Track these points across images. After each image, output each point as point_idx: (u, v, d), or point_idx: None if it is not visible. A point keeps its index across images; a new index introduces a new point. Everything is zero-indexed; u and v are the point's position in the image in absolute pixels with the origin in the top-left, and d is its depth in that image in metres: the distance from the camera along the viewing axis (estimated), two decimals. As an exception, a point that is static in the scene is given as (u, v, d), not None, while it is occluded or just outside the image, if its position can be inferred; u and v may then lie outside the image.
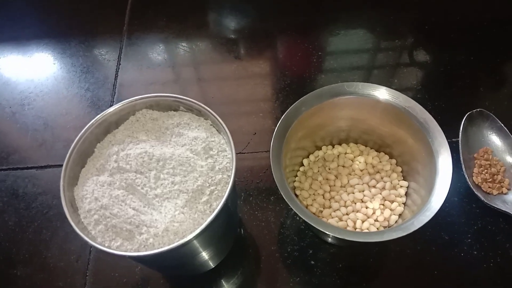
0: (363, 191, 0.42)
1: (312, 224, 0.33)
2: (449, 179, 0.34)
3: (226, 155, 0.34)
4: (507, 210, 0.42)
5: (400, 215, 0.41)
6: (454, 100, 0.53)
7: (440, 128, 0.37)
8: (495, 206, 0.43)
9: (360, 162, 0.44)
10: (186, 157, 0.33)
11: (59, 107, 0.56)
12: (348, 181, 0.43)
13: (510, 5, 0.62)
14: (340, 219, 0.41)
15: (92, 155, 0.35)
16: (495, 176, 0.45)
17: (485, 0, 0.63)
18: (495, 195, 0.44)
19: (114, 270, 0.43)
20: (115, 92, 0.57)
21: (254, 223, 0.45)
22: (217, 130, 0.36)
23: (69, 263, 0.43)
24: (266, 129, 0.52)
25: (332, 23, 0.62)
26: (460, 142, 0.47)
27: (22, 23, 0.66)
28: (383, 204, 0.41)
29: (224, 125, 0.34)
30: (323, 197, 0.42)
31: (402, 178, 0.43)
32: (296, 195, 0.43)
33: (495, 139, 0.48)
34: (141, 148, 0.34)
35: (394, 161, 0.44)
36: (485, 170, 0.45)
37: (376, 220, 0.40)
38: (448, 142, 0.36)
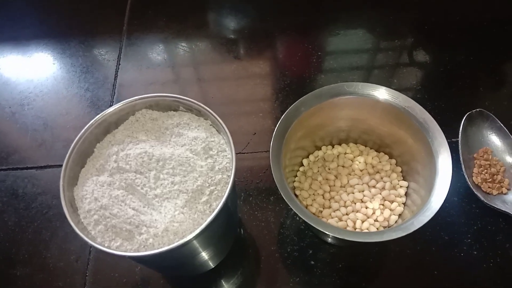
0: (363, 191, 0.42)
1: (312, 224, 0.33)
2: (449, 179, 0.34)
3: (226, 155, 0.34)
4: (506, 210, 0.42)
5: (400, 215, 0.41)
6: (453, 100, 0.53)
7: (439, 128, 0.37)
8: (495, 206, 0.43)
9: (359, 162, 0.44)
10: (186, 157, 0.33)
11: (59, 107, 0.56)
12: (348, 181, 0.43)
13: (510, 5, 0.62)
14: (340, 219, 0.41)
15: (91, 155, 0.35)
16: (495, 176, 0.45)
17: (485, 0, 0.63)
18: (494, 195, 0.44)
19: (114, 270, 0.43)
20: (114, 92, 0.57)
21: (254, 223, 0.45)
22: (217, 130, 0.36)
23: (68, 263, 0.43)
24: (266, 129, 0.52)
25: (332, 23, 0.62)
26: (459, 142, 0.47)
27: (22, 23, 0.66)
28: (383, 204, 0.41)
29: (223, 125, 0.34)
30: (323, 197, 0.42)
31: (402, 178, 0.43)
32: (296, 195, 0.43)
33: (494, 139, 0.48)
34: (141, 148, 0.34)
35: (394, 161, 0.44)
36: (485, 170, 0.45)
37: (376, 220, 0.40)
38: (448, 142, 0.36)
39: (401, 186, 0.42)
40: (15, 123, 0.55)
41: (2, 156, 0.52)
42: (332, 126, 0.44)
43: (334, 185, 0.43)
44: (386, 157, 0.44)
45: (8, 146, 0.53)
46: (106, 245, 0.30)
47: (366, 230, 0.39)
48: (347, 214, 0.41)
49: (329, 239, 0.42)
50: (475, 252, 0.42)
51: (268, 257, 0.43)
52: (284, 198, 0.34)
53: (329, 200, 0.42)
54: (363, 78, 0.57)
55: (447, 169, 0.35)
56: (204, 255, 0.36)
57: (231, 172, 0.32)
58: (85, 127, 0.34)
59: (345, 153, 0.45)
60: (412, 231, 0.32)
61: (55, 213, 0.47)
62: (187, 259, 0.36)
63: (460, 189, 0.46)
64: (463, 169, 0.45)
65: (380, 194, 0.41)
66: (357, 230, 0.40)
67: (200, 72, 0.59)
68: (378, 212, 0.40)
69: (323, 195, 0.42)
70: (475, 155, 0.47)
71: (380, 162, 0.44)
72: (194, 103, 0.36)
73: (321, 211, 0.41)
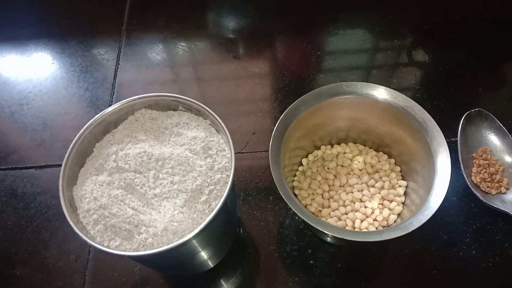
0: (362, 190, 0.42)
1: (311, 224, 0.33)
2: (448, 178, 0.34)
3: (225, 155, 0.34)
4: (505, 210, 0.42)
5: (399, 215, 0.41)
6: (453, 100, 0.53)
7: (438, 128, 0.37)
8: (494, 205, 0.43)
9: (359, 162, 0.44)
10: (185, 157, 0.33)
11: (58, 107, 0.56)
12: (347, 180, 0.43)
13: (510, 5, 0.62)
14: (339, 219, 0.41)
15: (91, 154, 0.35)
16: (494, 175, 0.45)
17: (485, 0, 0.63)
18: (493, 195, 0.44)
19: (113, 270, 0.43)
20: (114, 92, 0.57)
21: (253, 222, 0.45)
22: (216, 130, 0.36)
23: (68, 263, 0.43)
24: (265, 128, 0.52)
25: (331, 23, 0.62)
26: (458, 141, 0.47)
27: (21, 22, 0.66)
28: (382, 204, 0.41)
29: (223, 124, 0.34)
30: (322, 197, 0.42)
31: (401, 177, 0.43)
32: (295, 195, 0.43)
33: (493, 139, 0.48)
34: (140, 148, 0.34)
35: (393, 160, 0.44)
36: (484, 170, 0.45)
37: (375, 220, 0.40)
38: (447, 142, 0.36)
39: (400, 186, 0.42)
40: (14, 123, 0.55)
41: (1, 156, 0.52)
42: (331, 125, 0.44)
43: (333, 185, 0.43)
44: (385, 156, 0.44)
45: (7, 145, 0.53)
46: (105, 244, 0.30)
47: (365, 230, 0.40)
48: (346, 213, 0.41)
49: (328, 238, 0.42)
50: (474, 252, 0.42)
51: (268, 257, 0.43)
52: (283, 197, 0.34)
53: (328, 199, 0.42)
54: (363, 78, 0.57)
55: (446, 168, 0.35)
56: (203, 254, 0.36)
57: (230, 172, 0.32)
58: (84, 127, 0.34)
59: (344, 153, 0.45)
60: (411, 230, 0.32)
61: (55, 213, 0.47)
62: (187, 258, 0.36)
63: (459, 188, 0.46)
64: (462, 169, 0.45)
65: (379, 193, 0.42)
66: (356, 229, 0.40)
67: (200, 72, 0.59)
68: (377, 212, 0.40)
69: (322, 194, 0.42)
70: (474, 155, 0.47)
71: (379, 161, 0.44)
72: (194, 102, 0.36)
73: (320, 211, 0.41)
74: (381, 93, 0.40)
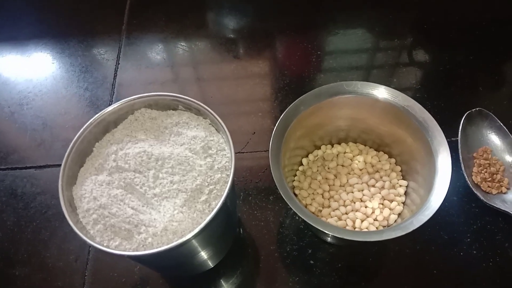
0: (362, 190, 0.42)
1: (311, 224, 0.33)
2: (448, 178, 0.34)
3: (225, 154, 0.34)
4: (506, 210, 0.42)
5: (399, 215, 0.40)
6: (453, 100, 0.53)
7: (439, 127, 0.37)
8: (494, 205, 0.43)
9: (359, 161, 0.44)
10: (185, 156, 0.33)
11: (58, 107, 0.56)
12: (347, 180, 0.43)
13: (510, 5, 0.62)
14: (339, 219, 0.40)
15: (90, 154, 0.35)
16: (494, 175, 0.45)
17: (485, 0, 0.63)
18: (494, 195, 0.44)
19: (113, 270, 0.43)
20: (114, 92, 0.57)
21: (253, 222, 0.45)
22: (216, 129, 0.36)
23: (68, 263, 0.43)
24: (265, 128, 0.52)
25: (331, 22, 0.62)
26: (459, 141, 0.47)
27: (21, 22, 0.65)
28: (382, 204, 0.41)
29: (222, 124, 0.34)
30: (322, 197, 0.42)
31: (401, 177, 0.43)
32: (295, 195, 0.43)
33: (494, 139, 0.48)
34: (140, 147, 0.34)
35: (393, 160, 0.44)
36: (484, 170, 0.45)
37: (375, 220, 0.40)
38: (448, 142, 0.36)
39: (400, 185, 0.42)
40: (14, 123, 0.55)
41: (1, 156, 0.52)
42: (332, 125, 0.43)
43: (334, 184, 0.43)
44: (386, 156, 0.44)
45: (7, 145, 0.53)
46: (105, 244, 0.30)
47: (366, 229, 0.39)
48: (346, 213, 0.41)
49: (329, 238, 0.42)
50: (474, 252, 0.42)
51: (268, 257, 0.43)
52: (284, 197, 0.34)
53: (328, 199, 0.42)
54: (363, 78, 0.57)
55: (447, 168, 0.35)
56: (203, 254, 0.36)
57: (230, 171, 0.32)
58: (84, 126, 0.34)
59: (345, 152, 0.45)
60: (412, 230, 0.32)
61: (54, 213, 0.47)
62: (186, 258, 0.36)
63: (460, 188, 0.46)
64: (463, 168, 0.45)
65: (380, 193, 0.41)
66: (356, 229, 0.40)
67: (200, 71, 0.59)
68: (377, 211, 0.40)
69: (322, 194, 0.42)
70: (474, 154, 0.47)
71: (379, 161, 0.44)
72: (193, 102, 0.36)
73: (321, 211, 0.41)
74: (381, 92, 0.40)
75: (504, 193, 0.44)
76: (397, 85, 0.55)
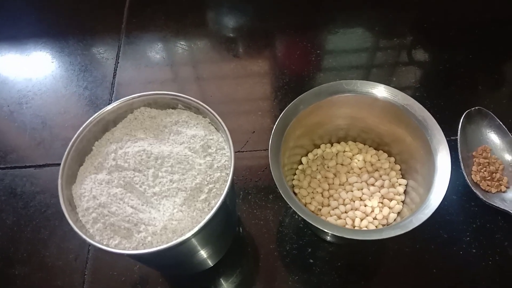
0: (361, 189, 0.42)
1: (311, 222, 0.33)
2: (448, 177, 0.34)
3: (225, 153, 0.34)
4: (505, 208, 0.42)
5: (398, 213, 0.41)
6: (452, 99, 0.53)
7: (438, 126, 0.37)
8: (494, 204, 0.43)
9: (358, 160, 0.44)
10: (185, 155, 0.33)
11: (57, 106, 0.56)
12: (347, 179, 0.43)
13: (510, 5, 0.62)
14: (339, 217, 0.40)
15: (90, 153, 0.35)
16: (494, 174, 0.45)
17: (485, 0, 0.63)
18: (493, 193, 0.44)
19: (113, 269, 0.43)
20: (113, 91, 0.57)
21: (252, 221, 0.45)
22: (216, 128, 0.36)
23: (67, 262, 0.43)
24: (265, 127, 0.52)
25: (331, 22, 0.62)
26: (458, 140, 0.47)
27: (21, 21, 0.65)
28: (381, 202, 0.41)
29: (222, 122, 0.34)
30: (322, 195, 0.42)
31: (401, 176, 0.43)
32: (295, 193, 0.43)
33: (493, 137, 0.48)
34: (139, 146, 0.34)
35: (392, 159, 0.44)
36: (484, 168, 0.45)
37: (374, 218, 0.40)
38: (447, 140, 0.36)
39: (400, 184, 0.42)
40: (13, 122, 0.55)
41: (0, 155, 0.52)
42: (331, 124, 0.44)
43: (333, 183, 0.43)
44: (385, 155, 0.44)
45: (7, 145, 0.53)
46: (104, 243, 0.30)
47: (365, 228, 0.39)
48: (346, 212, 0.41)
49: (328, 237, 0.42)
50: (474, 250, 0.42)
51: (267, 256, 0.43)
52: (283, 196, 0.34)
53: (328, 198, 0.42)
54: (362, 77, 0.57)
55: (446, 167, 0.35)
56: (203, 253, 0.36)
57: (229, 170, 0.32)
58: (83, 125, 0.34)
59: (344, 151, 0.45)
60: (411, 229, 0.32)
61: (54, 212, 0.47)
62: (186, 257, 0.36)
63: (459, 187, 0.46)
64: (462, 167, 0.45)
65: (379, 192, 0.41)
66: (356, 228, 0.40)
67: (199, 70, 0.59)
68: (377, 210, 0.40)
69: (322, 193, 0.42)
70: (474, 153, 0.47)
71: (379, 160, 0.44)
72: (193, 101, 0.36)
73: (320, 209, 0.41)
74: (380, 91, 0.40)
75: (504, 192, 0.44)
76: (396, 84, 0.55)
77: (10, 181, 0.50)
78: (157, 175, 0.33)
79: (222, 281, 0.42)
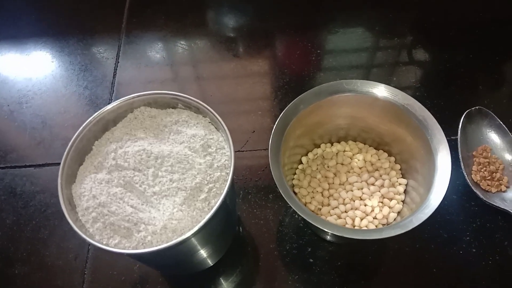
0: (361, 188, 0.42)
1: (311, 222, 0.33)
2: (448, 177, 0.34)
3: (225, 153, 0.34)
4: (506, 208, 0.42)
5: (398, 213, 0.41)
6: (453, 99, 0.53)
7: (439, 126, 0.37)
8: (494, 204, 0.43)
9: (359, 160, 0.44)
10: (185, 155, 0.33)
11: (57, 105, 0.56)
12: (347, 178, 0.43)
13: (510, 5, 0.62)
14: (339, 217, 0.40)
15: (90, 152, 0.35)
16: (494, 174, 0.45)
17: (485, 0, 0.63)
18: (494, 193, 0.44)
19: (113, 268, 0.43)
20: (113, 90, 0.57)
21: (252, 221, 0.45)
22: (216, 128, 0.36)
23: (67, 262, 0.43)
24: (265, 127, 0.52)
25: (331, 22, 0.62)
26: (459, 140, 0.47)
27: (21, 21, 0.65)
28: (381, 202, 0.41)
29: (222, 122, 0.34)
30: (322, 195, 0.42)
31: (401, 175, 0.43)
32: (295, 193, 0.43)
33: (494, 137, 0.48)
34: (139, 146, 0.34)
35: (393, 158, 0.44)
36: (484, 168, 0.45)
37: (374, 218, 0.40)
38: (447, 140, 0.36)
39: (400, 184, 0.42)
40: (13, 122, 0.55)
41: (0, 155, 0.52)
42: (331, 123, 0.43)
43: (333, 183, 0.43)
44: (385, 154, 0.44)
45: (7, 144, 0.53)
46: (104, 242, 0.30)
47: (365, 228, 0.39)
48: (346, 211, 0.41)
49: (328, 236, 0.42)
50: (474, 250, 0.42)
51: (267, 255, 0.43)
52: (283, 196, 0.34)
53: (328, 197, 0.42)
54: (363, 77, 0.57)
55: (446, 166, 0.35)
56: (203, 253, 0.36)
57: (229, 170, 0.32)
58: (83, 125, 0.34)
59: (344, 151, 0.45)
60: (411, 228, 0.32)
61: (54, 211, 0.47)
62: (186, 256, 0.36)
63: (459, 187, 0.46)
64: (462, 167, 0.45)
65: (379, 191, 0.41)
66: (356, 227, 0.40)
67: (199, 70, 0.59)
68: (377, 210, 0.40)
69: (322, 192, 0.42)
70: (474, 153, 0.47)
71: (379, 159, 0.44)
72: (193, 100, 0.36)
73: (320, 209, 0.41)
74: (381, 91, 0.40)
75: (504, 192, 0.44)
76: (397, 83, 0.55)
77: (10, 181, 0.50)
78: (157, 174, 0.33)
79: (222, 280, 0.42)
